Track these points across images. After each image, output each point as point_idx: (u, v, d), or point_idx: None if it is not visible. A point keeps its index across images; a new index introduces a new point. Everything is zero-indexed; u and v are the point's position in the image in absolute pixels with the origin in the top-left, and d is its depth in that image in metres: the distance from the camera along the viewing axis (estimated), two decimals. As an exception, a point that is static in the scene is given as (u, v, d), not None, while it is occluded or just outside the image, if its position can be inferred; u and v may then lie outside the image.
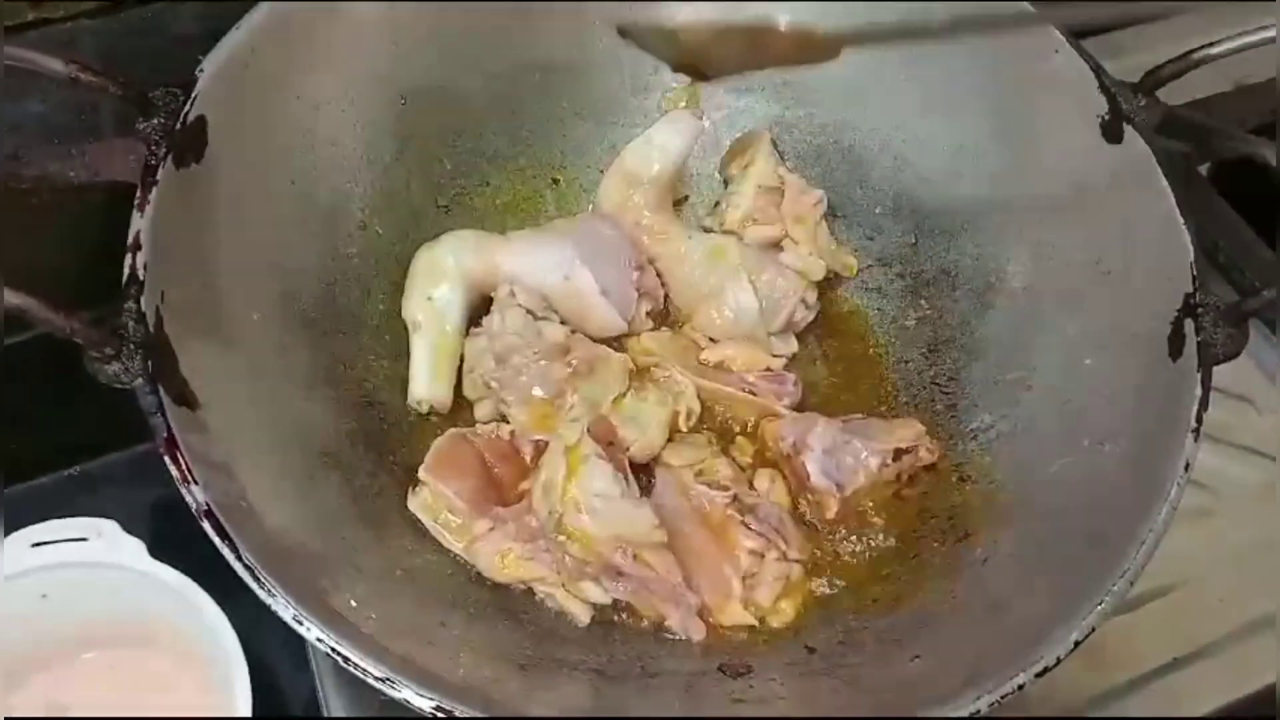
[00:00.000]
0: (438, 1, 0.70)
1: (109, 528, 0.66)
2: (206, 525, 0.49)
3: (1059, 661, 0.51)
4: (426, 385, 0.69)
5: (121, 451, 0.83)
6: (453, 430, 0.67)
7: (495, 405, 0.68)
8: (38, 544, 0.65)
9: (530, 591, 0.63)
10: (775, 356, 0.73)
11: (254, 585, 0.48)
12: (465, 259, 0.70)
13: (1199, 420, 0.56)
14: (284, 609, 0.48)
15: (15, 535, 0.65)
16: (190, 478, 0.49)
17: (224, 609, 0.63)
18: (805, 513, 0.67)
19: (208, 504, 0.49)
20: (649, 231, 0.74)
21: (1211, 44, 0.62)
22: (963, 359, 0.72)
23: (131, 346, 0.51)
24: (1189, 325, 0.58)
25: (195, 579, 0.64)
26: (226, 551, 0.48)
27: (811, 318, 0.74)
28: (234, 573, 0.49)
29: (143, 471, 0.82)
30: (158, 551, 0.65)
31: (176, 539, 0.63)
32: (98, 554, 0.65)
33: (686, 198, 0.80)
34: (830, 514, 0.66)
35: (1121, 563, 0.53)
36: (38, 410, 0.76)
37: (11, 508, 0.74)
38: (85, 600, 0.67)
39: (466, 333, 0.70)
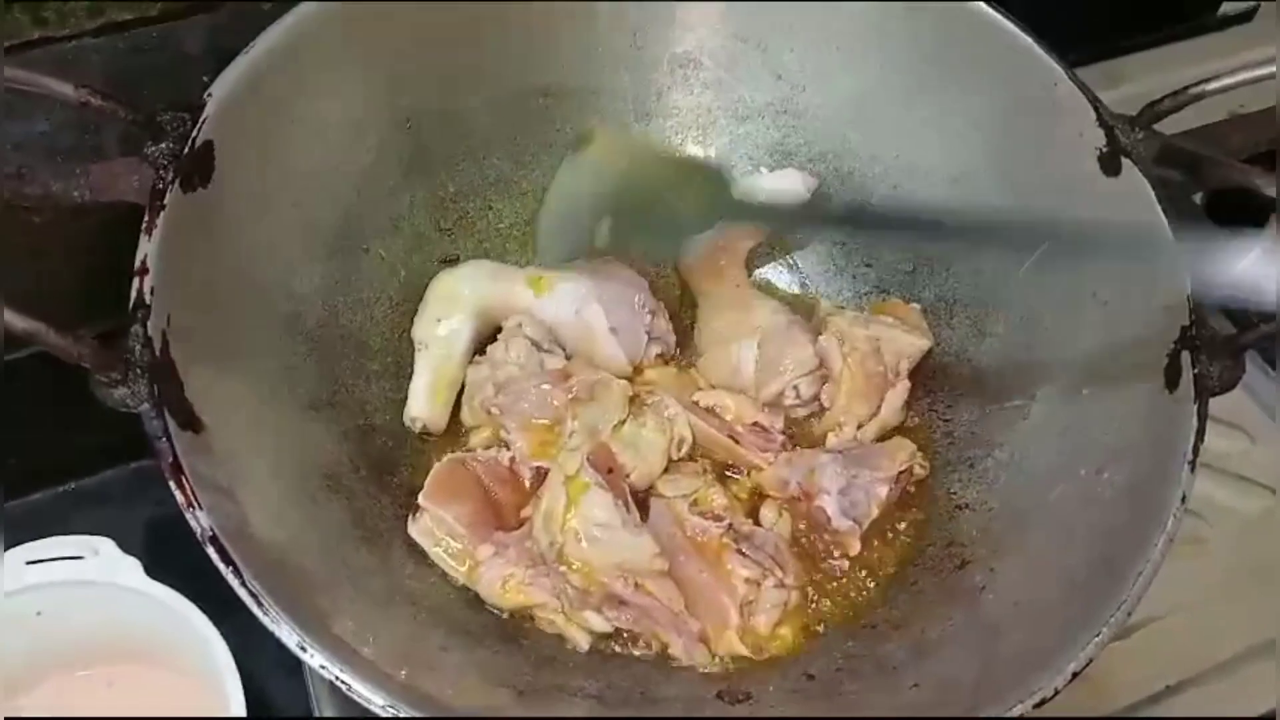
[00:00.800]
0: (442, 1, 0.69)
1: (105, 546, 0.66)
2: (211, 550, 0.49)
3: (1057, 693, 0.51)
4: (423, 405, 0.69)
5: (118, 468, 0.83)
6: (451, 455, 0.67)
7: (494, 433, 0.69)
8: (33, 561, 0.65)
9: (531, 617, 0.63)
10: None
11: (258, 612, 0.48)
12: (481, 288, 0.71)
13: (1196, 452, 0.56)
14: (289, 636, 0.48)
15: (11, 552, 0.65)
16: (195, 502, 0.49)
17: (218, 625, 0.63)
18: (819, 547, 0.67)
19: (212, 529, 0.49)
20: (710, 266, 0.75)
21: (1209, 80, 0.62)
22: (961, 387, 0.73)
23: (138, 371, 0.51)
24: (1186, 358, 0.59)
25: (189, 596, 0.64)
26: (231, 577, 0.48)
27: (804, 412, 0.73)
28: (228, 590, 0.49)
29: (139, 488, 0.82)
30: (153, 568, 0.65)
31: (172, 555, 0.63)
32: (94, 572, 0.65)
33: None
34: (854, 551, 0.66)
35: (1119, 593, 0.53)
36: (34, 426, 0.76)
37: (7, 524, 0.74)
38: (80, 618, 0.67)
39: (471, 360, 0.71)
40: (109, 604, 0.66)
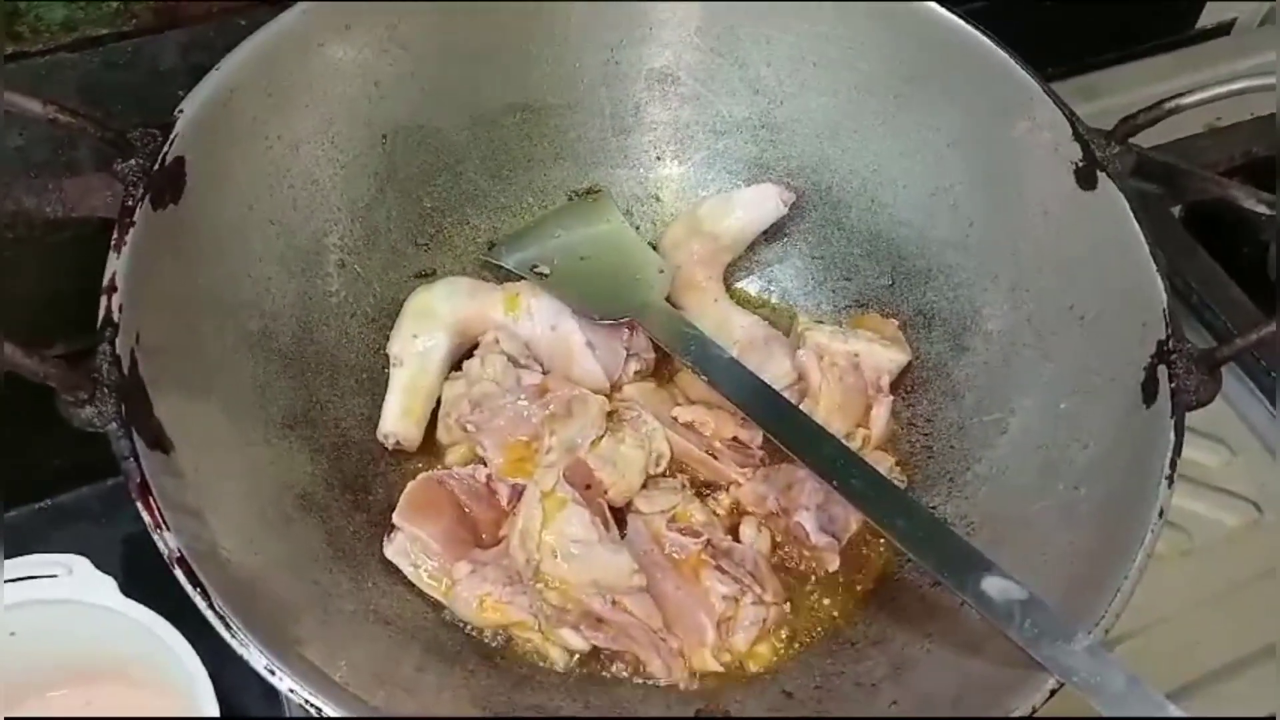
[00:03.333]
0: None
1: (80, 564, 0.65)
2: (178, 572, 0.48)
3: (1034, 711, 0.51)
4: (396, 420, 0.69)
5: (93, 485, 0.83)
6: (425, 474, 0.67)
7: (469, 450, 0.68)
8: (7, 580, 0.64)
9: (509, 636, 0.62)
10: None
11: (225, 634, 0.48)
12: (458, 305, 0.71)
13: (1173, 466, 0.56)
14: (257, 659, 0.47)
15: (-17, 571, 0.64)
16: (162, 523, 0.49)
17: (194, 644, 0.63)
18: (799, 567, 0.67)
19: (179, 550, 0.49)
20: (688, 280, 0.75)
21: (1184, 94, 0.63)
22: (939, 400, 0.73)
23: (105, 390, 0.50)
24: (1163, 371, 0.59)
25: (165, 614, 0.64)
26: (198, 599, 0.48)
27: None
28: (204, 610, 0.49)
29: (115, 506, 0.81)
30: (129, 586, 0.65)
31: (148, 574, 0.63)
32: (69, 591, 0.65)
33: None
34: (833, 567, 0.66)
35: (1098, 608, 0.53)
36: (8, 443, 0.76)
37: (-21, 542, 0.73)
38: (56, 637, 0.66)
39: (447, 376, 0.70)
40: (84, 623, 0.65)
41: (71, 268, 0.66)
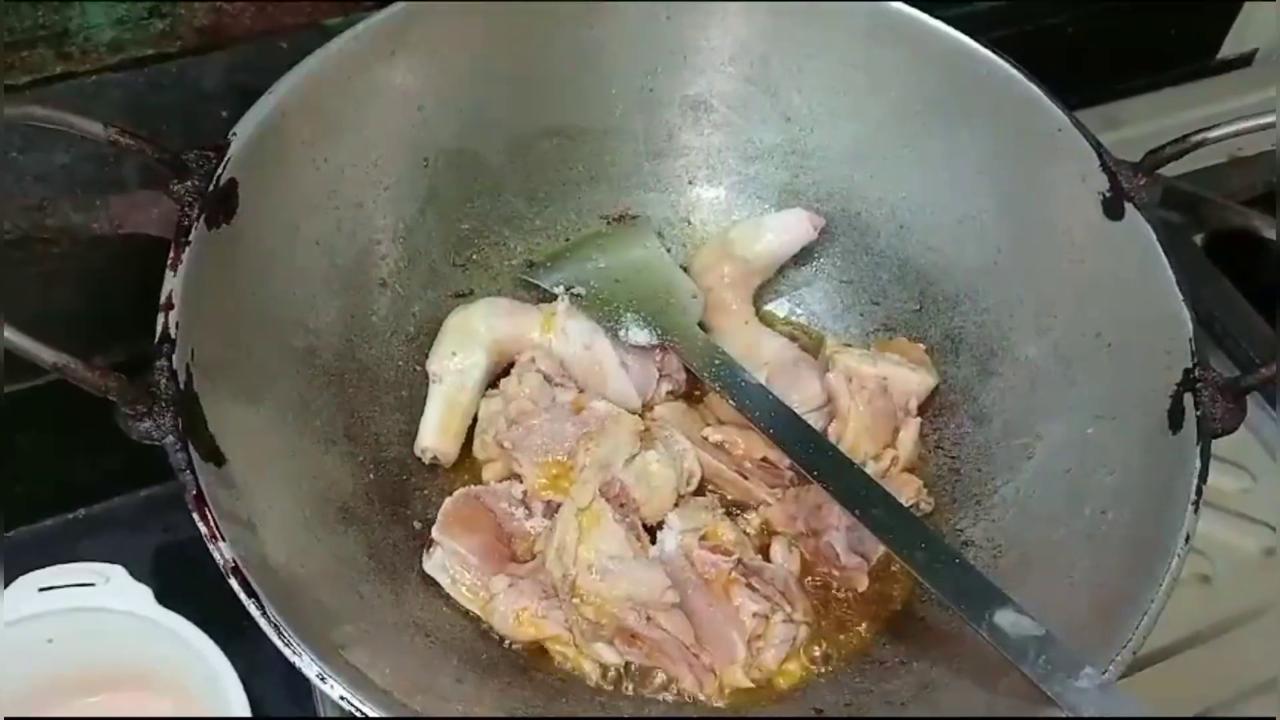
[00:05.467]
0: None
1: (116, 573, 0.67)
2: (233, 582, 0.49)
3: (1061, 733, 0.52)
4: (434, 436, 0.70)
5: (128, 495, 0.84)
6: (462, 489, 0.68)
7: (506, 466, 0.69)
8: (45, 588, 0.66)
9: (543, 650, 0.63)
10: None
11: (279, 643, 0.49)
12: (497, 325, 0.72)
13: (1199, 493, 0.57)
14: (309, 667, 0.49)
15: (22, 579, 0.66)
16: (218, 534, 0.50)
17: (224, 652, 0.64)
18: (828, 587, 0.68)
19: (235, 560, 0.50)
20: (719, 302, 0.77)
21: (1211, 127, 0.63)
22: (966, 424, 0.73)
23: (163, 404, 0.52)
24: (1188, 399, 0.59)
25: (197, 622, 0.65)
26: (253, 608, 0.49)
27: None
28: (236, 618, 0.50)
29: (149, 515, 0.83)
30: (162, 595, 0.66)
31: (180, 583, 0.65)
32: (105, 600, 0.66)
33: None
34: (862, 587, 0.67)
35: (1123, 632, 0.54)
36: (44, 453, 0.77)
37: (19, 551, 0.75)
38: (91, 645, 0.68)
39: (484, 394, 0.72)
40: (120, 631, 0.66)
41: (116, 283, 0.68)
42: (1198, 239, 1.01)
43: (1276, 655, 0.78)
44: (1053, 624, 0.56)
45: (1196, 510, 0.56)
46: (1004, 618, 0.56)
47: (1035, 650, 0.54)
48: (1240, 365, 0.91)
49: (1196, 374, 0.60)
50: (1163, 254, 0.63)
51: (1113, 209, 0.66)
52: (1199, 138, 0.64)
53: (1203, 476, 0.57)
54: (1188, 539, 0.56)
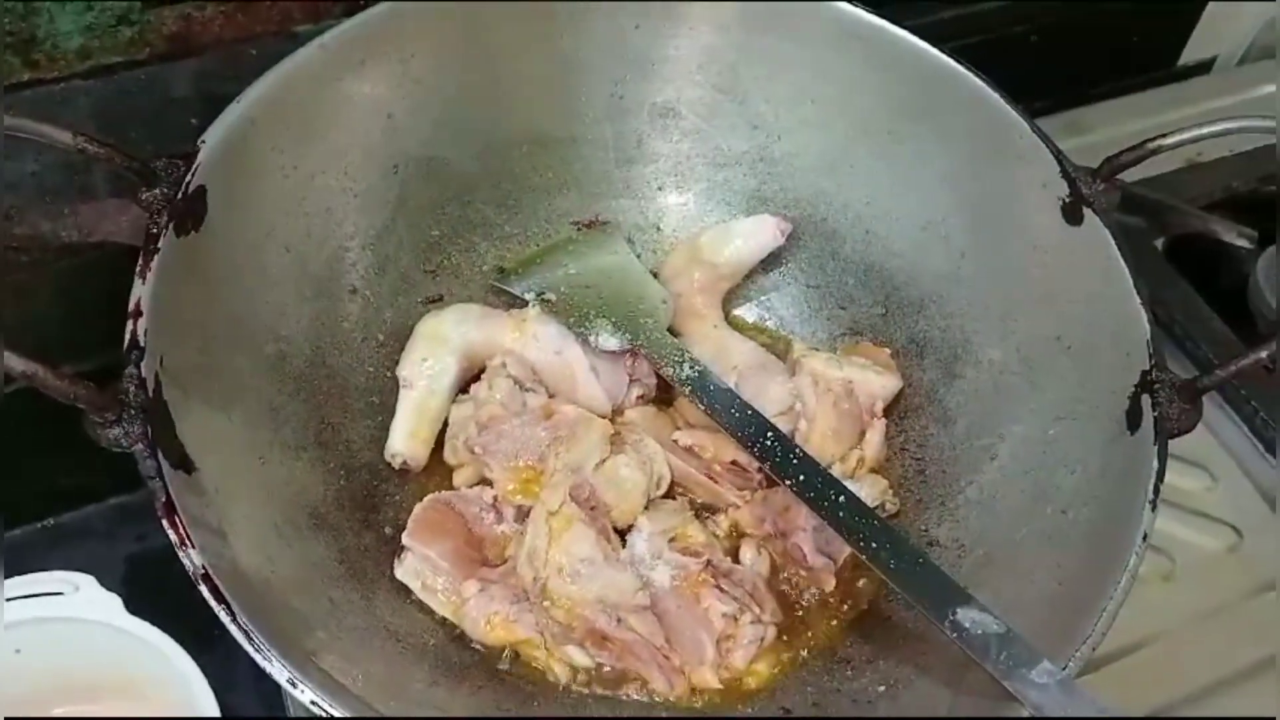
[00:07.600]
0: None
1: (85, 582, 0.66)
2: (204, 589, 0.49)
3: (1025, 726, 0.53)
4: (403, 440, 0.70)
5: (98, 504, 0.84)
6: (433, 495, 0.68)
7: (476, 471, 0.70)
8: (13, 598, 0.65)
9: (515, 654, 0.64)
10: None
11: (250, 649, 0.49)
12: (468, 331, 0.72)
13: (1156, 492, 0.58)
14: (279, 672, 0.49)
15: (-12, 589, 0.65)
16: (188, 541, 0.50)
17: (195, 660, 0.64)
18: (796, 587, 0.68)
19: (205, 568, 0.50)
20: (688, 307, 0.77)
21: (1167, 134, 0.65)
22: (931, 426, 0.74)
23: (132, 411, 0.52)
24: (1146, 400, 0.61)
25: (168, 631, 0.65)
26: (223, 615, 0.49)
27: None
28: (206, 625, 0.50)
29: (119, 524, 0.83)
30: (132, 604, 0.66)
31: (151, 591, 0.65)
32: (74, 609, 0.66)
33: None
34: (829, 587, 0.68)
35: (1084, 629, 0.55)
36: (13, 462, 0.77)
37: (-15, 560, 0.74)
38: (60, 655, 0.67)
39: (455, 399, 0.72)
40: (89, 640, 0.66)
41: (86, 290, 0.68)
42: (1159, 243, 1.03)
43: (1235, 653, 0.80)
44: (1015, 621, 0.57)
45: (1154, 509, 0.58)
46: (966, 615, 0.57)
47: (996, 647, 0.55)
48: (1200, 366, 0.92)
49: (1154, 375, 0.61)
50: (1121, 259, 0.65)
51: (1072, 214, 0.67)
52: (1155, 144, 0.65)
53: (1160, 476, 0.58)
54: (1145, 537, 0.57)
